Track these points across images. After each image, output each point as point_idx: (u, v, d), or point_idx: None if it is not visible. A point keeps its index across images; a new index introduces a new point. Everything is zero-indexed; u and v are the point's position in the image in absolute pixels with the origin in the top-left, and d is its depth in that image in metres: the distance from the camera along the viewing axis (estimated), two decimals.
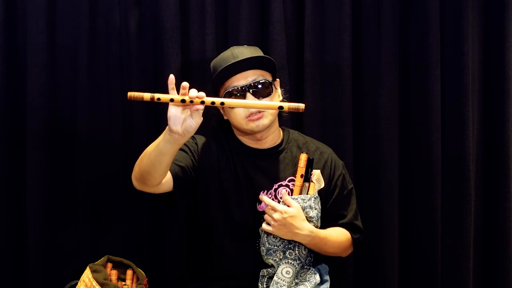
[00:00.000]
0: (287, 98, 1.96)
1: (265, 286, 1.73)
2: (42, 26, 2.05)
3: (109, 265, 1.97)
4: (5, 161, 2.08)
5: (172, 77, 1.46)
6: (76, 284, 1.92)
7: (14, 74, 2.08)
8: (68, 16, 2.09)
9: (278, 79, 1.84)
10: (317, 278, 1.74)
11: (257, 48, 1.86)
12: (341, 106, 2.18)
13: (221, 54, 1.83)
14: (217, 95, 1.77)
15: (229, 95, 1.74)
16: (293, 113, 2.14)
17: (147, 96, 1.44)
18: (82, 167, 2.10)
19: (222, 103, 1.49)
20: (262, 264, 1.75)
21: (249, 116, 1.73)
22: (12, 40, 2.07)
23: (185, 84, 1.44)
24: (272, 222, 1.67)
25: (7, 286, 2.11)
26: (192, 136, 1.73)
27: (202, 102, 1.45)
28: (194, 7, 2.12)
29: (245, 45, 1.90)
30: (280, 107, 1.51)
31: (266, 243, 1.72)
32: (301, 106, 1.49)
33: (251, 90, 1.72)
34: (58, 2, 2.08)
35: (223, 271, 1.78)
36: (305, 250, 1.75)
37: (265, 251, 1.72)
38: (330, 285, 1.80)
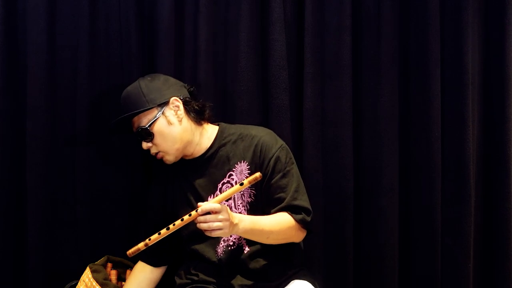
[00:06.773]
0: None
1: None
2: (42, 26, 2.05)
3: (109, 265, 1.97)
4: (5, 162, 2.08)
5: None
6: (76, 284, 1.92)
7: (14, 74, 2.08)
8: (68, 16, 2.08)
9: (173, 98, 1.81)
10: None
11: (144, 83, 1.84)
12: (341, 106, 2.18)
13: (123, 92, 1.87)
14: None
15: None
16: (293, 113, 2.14)
17: (141, 244, 1.59)
18: (82, 167, 2.10)
19: (190, 214, 1.60)
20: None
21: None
22: (12, 40, 2.07)
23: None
24: (222, 224, 1.58)
25: (7, 286, 2.11)
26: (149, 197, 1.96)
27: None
28: (194, 7, 2.12)
29: (145, 79, 1.86)
30: (241, 184, 1.61)
31: None
32: (258, 174, 1.60)
33: (138, 138, 1.82)
34: (58, 2, 2.08)
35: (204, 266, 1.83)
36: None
37: None
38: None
